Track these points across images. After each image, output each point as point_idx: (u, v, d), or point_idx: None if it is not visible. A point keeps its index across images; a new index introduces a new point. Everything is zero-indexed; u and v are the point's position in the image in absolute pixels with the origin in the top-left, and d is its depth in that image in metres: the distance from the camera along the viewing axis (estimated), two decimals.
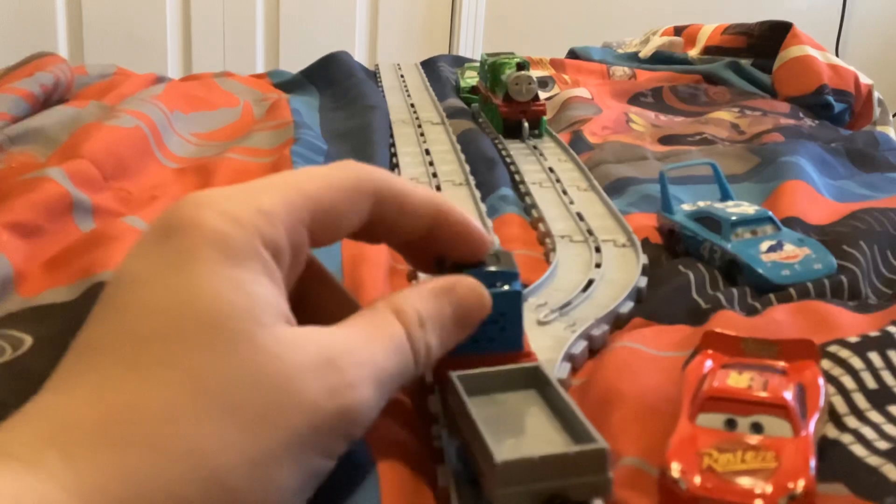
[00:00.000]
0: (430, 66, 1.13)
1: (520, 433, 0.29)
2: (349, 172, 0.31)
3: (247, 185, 0.29)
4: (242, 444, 0.24)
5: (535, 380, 0.31)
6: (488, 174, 0.69)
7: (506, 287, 0.32)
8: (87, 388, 0.24)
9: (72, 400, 0.24)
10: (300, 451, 0.26)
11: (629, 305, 0.47)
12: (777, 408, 0.31)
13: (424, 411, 0.35)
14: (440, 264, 0.34)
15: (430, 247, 0.33)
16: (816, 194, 0.65)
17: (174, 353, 0.25)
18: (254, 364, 0.25)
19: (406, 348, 0.29)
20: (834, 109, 0.95)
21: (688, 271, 0.50)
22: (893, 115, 1.13)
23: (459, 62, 1.18)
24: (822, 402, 0.33)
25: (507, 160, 0.74)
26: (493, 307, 0.32)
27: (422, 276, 0.46)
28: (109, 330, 0.26)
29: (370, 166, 0.32)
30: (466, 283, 0.32)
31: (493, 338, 0.32)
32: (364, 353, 0.28)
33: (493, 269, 0.33)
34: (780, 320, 0.43)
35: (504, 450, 0.26)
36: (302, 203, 0.29)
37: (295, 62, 1.22)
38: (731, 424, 0.31)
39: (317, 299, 0.34)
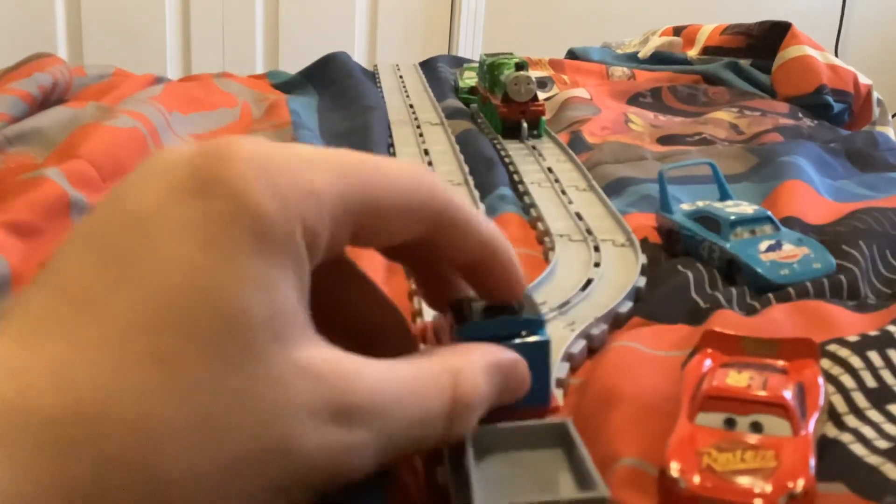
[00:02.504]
0: (428, 67, 1.13)
1: (520, 487, 0.27)
2: (421, 184, 0.27)
3: (302, 152, 0.25)
4: (207, 481, 0.22)
5: (562, 438, 0.28)
6: (487, 174, 0.69)
7: (533, 338, 0.30)
8: (59, 358, 0.21)
9: (35, 368, 0.21)
10: (267, 496, 0.23)
11: (628, 305, 0.47)
12: (776, 407, 0.31)
13: None
14: (458, 307, 0.31)
15: (459, 281, 0.31)
16: (815, 194, 0.65)
17: (173, 351, 0.21)
18: (255, 392, 0.22)
19: (438, 427, 0.26)
20: (833, 109, 0.95)
21: (687, 271, 0.50)
22: (893, 116, 1.13)
23: (458, 63, 1.17)
24: (821, 401, 0.33)
25: (506, 160, 0.74)
26: None
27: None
28: (106, 288, 0.22)
29: (444, 183, 0.28)
30: (521, 370, 0.29)
31: None
32: (385, 415, 0.24)
33: (517, 317, 0.30)
34: (779, 320, 0.43)
35: (490, 498, 0.24)
36: (358, 198, 0.25)
37: (294, 63, 1.22)
38: (730, 424, 0.31)
39: (346, 295, 0.31)
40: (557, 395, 0.30)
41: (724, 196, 0.59)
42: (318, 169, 0.25)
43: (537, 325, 0.30)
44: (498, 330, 0.30)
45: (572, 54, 1.26)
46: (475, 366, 0.27)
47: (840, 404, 0.35)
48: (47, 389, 0.21)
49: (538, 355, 0.30)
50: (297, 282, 0.24)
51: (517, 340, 0.30)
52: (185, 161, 0.24)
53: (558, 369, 0.40)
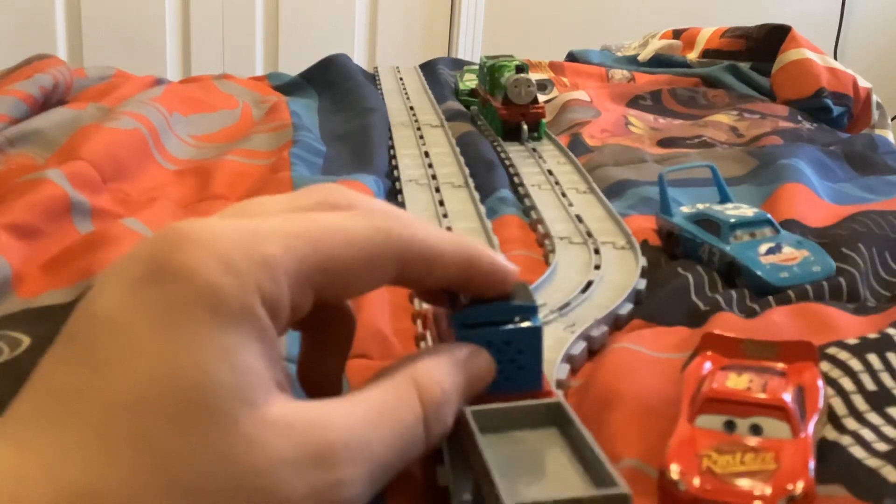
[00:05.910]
0: (429, 69, 1.14)
1: (535, 474, 0.27)
2: (376, 231, 0.28)
3: (253, 223, 0.26)
4: None
5: (557, 417, 0.29)
6: (487, 176, 0.69)
7: (525, 323, 0.30)
8: (48, 454, 0.22)
9: (28, 465, 0.22)
10: None
11: (628, 307, 0.47)
12: (776, 409, 0.31)
13: None
14: (454, 299, 0.31)
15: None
16: (815, 197, 0.65)
17: (149, 432, 0.23)
18: (232, 455, 0.23)
19: (418, 433, 0.27)
20: (832, 113, 0.95)
21: (687, 273, 0.50)
22: (892, 119, 1.13)
23: (458, 65, 1.18)
24: (821, 403, 0.33)
25: (507, 162, 0.74)
26: (512, 344, 0.30)
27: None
28: (81, 384, 0.24)
29: (401, 220, 0.29)
30: (481, 356, 0.30)
31: (510, 376, 0.30)
32: (364, 445, 0.25)
33: (511, 303, 0.31)
34: (779, 322, 0.43)
35: (515, 492, 0.25)
36: (313, 260, 0.26)
37: (294, 65, 1.22)
38: (730, 426, 0.31)
39: (332, 329, 0.32)
40: (558, 395, 0.31)
41: (724, 199, 0.59)
42: (270, 239, 0.26)
43: (530, 311, 0.31)
44: (491, 316, 0.30)
45: (572, 57, 1.27)
46: (436, 366, 0.28)
47: (839, 407, 0.35)
48: (40, 484, 0.22)
49: (530, 340, 0.30)
50: (259, 346, 0.25)
51: (510, 326, 0.30)
52: (141, 253, 0.25)
53: (558, 371, 0.40)
